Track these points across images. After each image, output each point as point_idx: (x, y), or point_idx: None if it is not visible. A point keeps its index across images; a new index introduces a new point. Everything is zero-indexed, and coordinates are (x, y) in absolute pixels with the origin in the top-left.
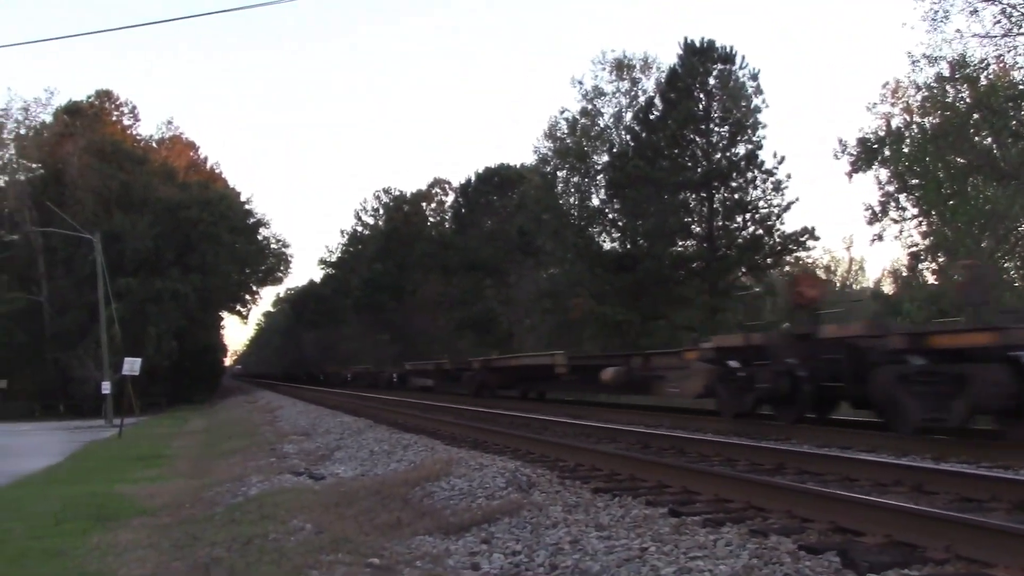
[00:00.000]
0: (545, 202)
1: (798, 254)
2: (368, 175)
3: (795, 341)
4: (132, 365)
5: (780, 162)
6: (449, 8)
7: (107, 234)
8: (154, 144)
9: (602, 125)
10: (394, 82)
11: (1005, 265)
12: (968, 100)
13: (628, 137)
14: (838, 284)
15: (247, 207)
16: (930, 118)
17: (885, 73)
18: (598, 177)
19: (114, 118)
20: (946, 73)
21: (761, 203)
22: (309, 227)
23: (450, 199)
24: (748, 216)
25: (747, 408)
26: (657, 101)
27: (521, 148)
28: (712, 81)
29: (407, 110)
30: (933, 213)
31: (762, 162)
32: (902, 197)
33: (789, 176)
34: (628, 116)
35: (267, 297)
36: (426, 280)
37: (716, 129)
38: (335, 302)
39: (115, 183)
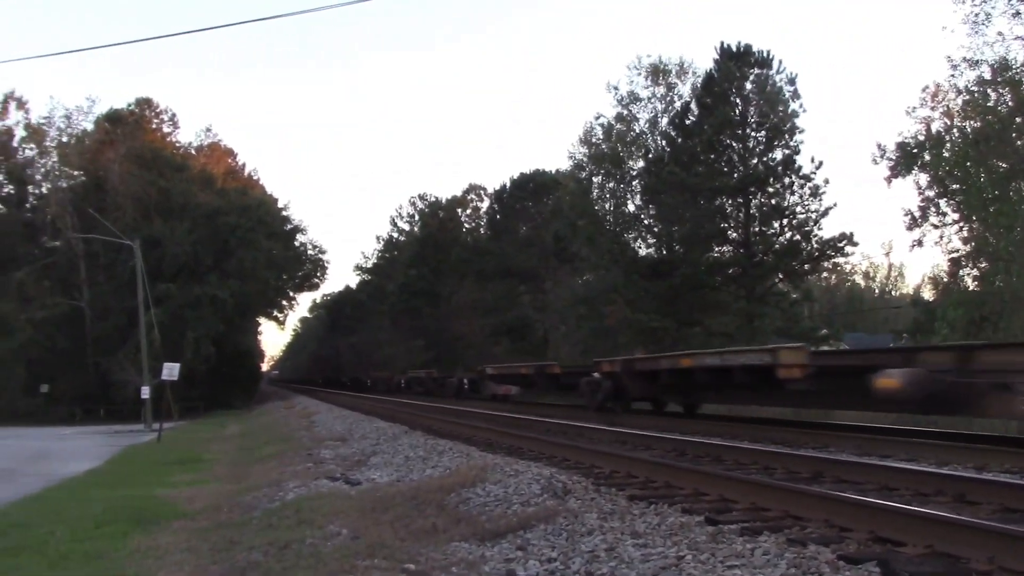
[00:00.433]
0: (580, 208)
1: (836, 260)
2: (404, 181)
3: None
4: (171, 370)
5: (818, 167)
6: (485, 16)
7: (147, 240)
8: (193, 151)
9: (638, 130)
10: (430, 89)
11: None
12: (1010, 104)
13: (664, 142)
14: (877, 291)
15: (284, 213)
16: (971, 122)
17: (925, 77)
18: (633, 183)
19: (154, 126)
20: (987, 76)
21: (798, 208)
22: (345, 233)
23: (485, 205)
24: (785, 222)
25: None
26: (693, 106)
27: (556, 154)
28: (749, 86)
29: (443, 116)
30: (974, 218)
31: (799, 167)
32: (942, 202)
33: (827, 181)
34: (664, 121)
35: (304, 303)
36: (461, 286)
37: (753, 134)
38: (371, 308)
39: (155, 190)
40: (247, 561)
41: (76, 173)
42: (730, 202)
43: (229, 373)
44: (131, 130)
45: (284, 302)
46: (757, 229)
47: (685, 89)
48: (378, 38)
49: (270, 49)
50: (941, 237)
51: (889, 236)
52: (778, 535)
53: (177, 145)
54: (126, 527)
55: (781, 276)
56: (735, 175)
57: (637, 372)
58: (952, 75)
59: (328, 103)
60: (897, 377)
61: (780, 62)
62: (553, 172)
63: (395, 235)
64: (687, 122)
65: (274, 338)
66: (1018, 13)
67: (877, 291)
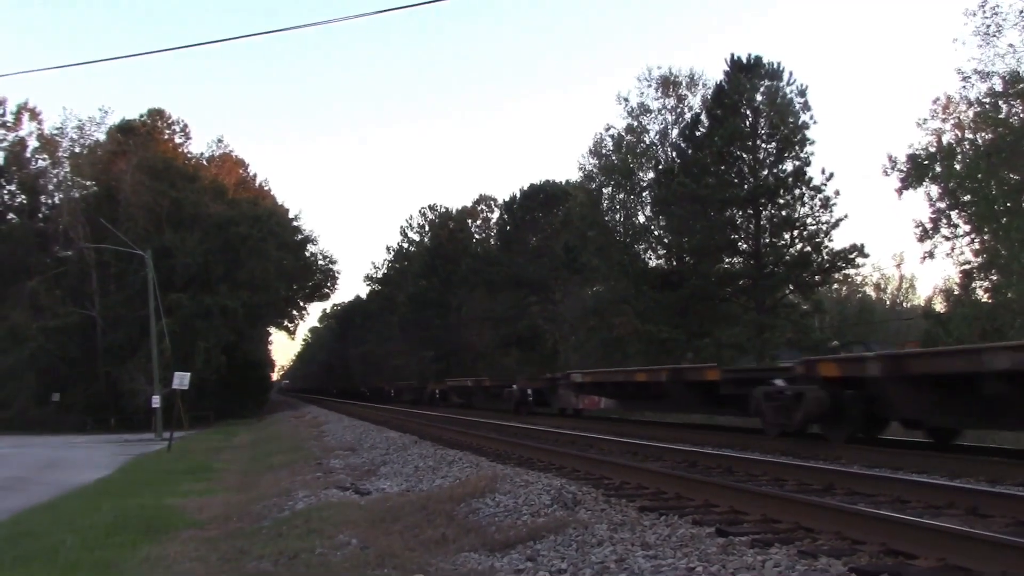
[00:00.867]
0: (590, 219)
1: (847, 271)
2: (414, 192)
3: None
4: (181, 379)
5: (828, 179)
6: (495, 26)
7: (158, 250)
8: (204, 162)
9: (648, 142)
10: (440, 99)
11: None
12: (1022, 116)
13: (674, 154)
14: (888, 302)
15: (295, 224)
16: (982, 134)
17: (936, 88)
18: (644, 194)
19: (166, 136)
20: (999, 88)
21: (809, 220)
22: (355, 244)
23: (495, 216)
24: (796, 233)
25: None
26: (703, 118)
27: (566, 165)
28: (759, 97)
29: (453, 127)
30: (986, 230)
31: (810, 179)
32: (954, 214)
33: (838, 193)
34: (674, 133)
35: (314, 313)
36: (471, 296)
37: (763, 146)
38: (381, 318)
39: (166, 200)
40: (257, 570)
41: (88, 183)
42: (740, 213)
43: (239, 383)
44: (143, 141)
45: (294, 312)
46: (767, 240)
47: (695, 100)
48: (389, 49)
49: (281, 61)
50: (952, 249)
51: (900, 248)
52: (789, 547)
53: (188, 156)
54: (136, 536)
55: (792, 287)
56: (745, 186)
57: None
58: (963, 87)
59: (339, 114)
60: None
61: (791, 73)
62: (563, 183)
63: (405, 245)
64: (697, 133)
65: (284, 348)
66: None
67: (888, 302)
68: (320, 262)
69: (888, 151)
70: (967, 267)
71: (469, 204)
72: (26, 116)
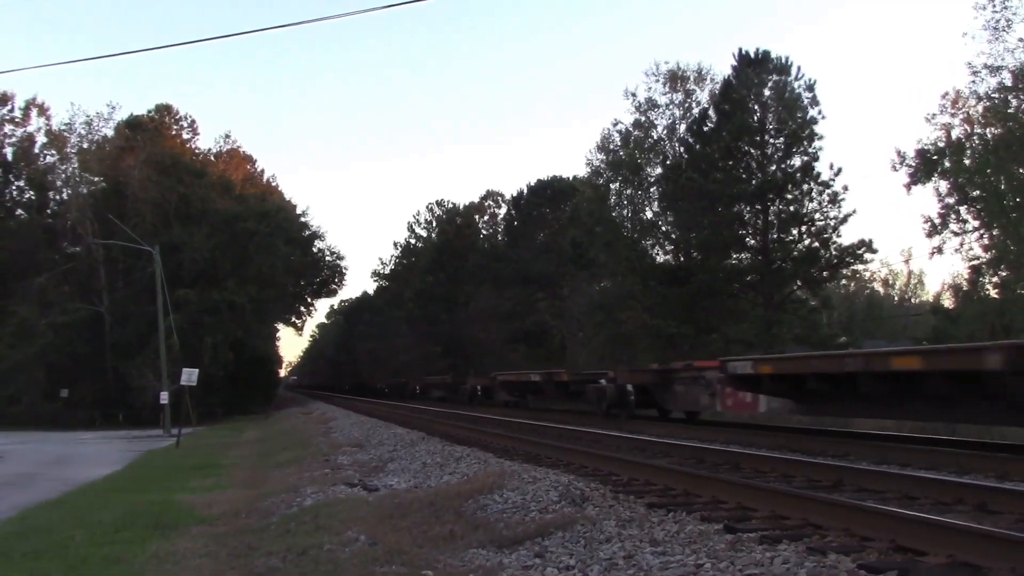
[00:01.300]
0: (598, 214)
1: (855, 267)
2: (421, 188)
3: None
4: (189, 375)
5: (837, 174)
6: (502, 21)
7: (166, 246)
8: (212, 157)
9: (655, 137)
10: (447, 95)
11: None
12: None
13: (682, 149)
14: (896, 298)
15: (303, 219)
16: (992, 129)
17: (944, 83)
18: (651, 189)
19: (173, 132)
20: (1008, 83)
21: (817, 215)
22: (363, 239)
23: (503, 211)
24: (804, 228)
25: None
26: (711, 113)
27: (574, 160)
28: (767, 92)
29: (461, 123)
30: (995, 225)
31: (818, 174)
32: (963, 209)
33: (846, 188)
34: (682, 128)
35: (321, 309)
36: (478, 292)
37: (771, 141)
38: (388, 314)
39: (174, 196)
40: (265, 567)
41: (96, 179)
42: (748, 209)
43: (247, 379)
44: (151, 136)
45: (302, 308)
46: (775, 236)
47: (703, 95)
48: (396, 45)
49: (289, 56)
50: (961, 244)
51: (909, 243)
52: (798, 544)
53: (196, 151)
54: (145, 532)
55: (800, 283)
56: (753, 182)
57: None
58: (973, 81)
59: (347, 110)
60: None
61: (799, 68)
62: (570, 178)
63: (412, 241)
64: (705, 128)
65: (292, 344)
66: None
67: (896, 298)
68: (328, 258)
69: (897, 146)
70: (976, 263)
71: (476, 200)
72: (34, 112)
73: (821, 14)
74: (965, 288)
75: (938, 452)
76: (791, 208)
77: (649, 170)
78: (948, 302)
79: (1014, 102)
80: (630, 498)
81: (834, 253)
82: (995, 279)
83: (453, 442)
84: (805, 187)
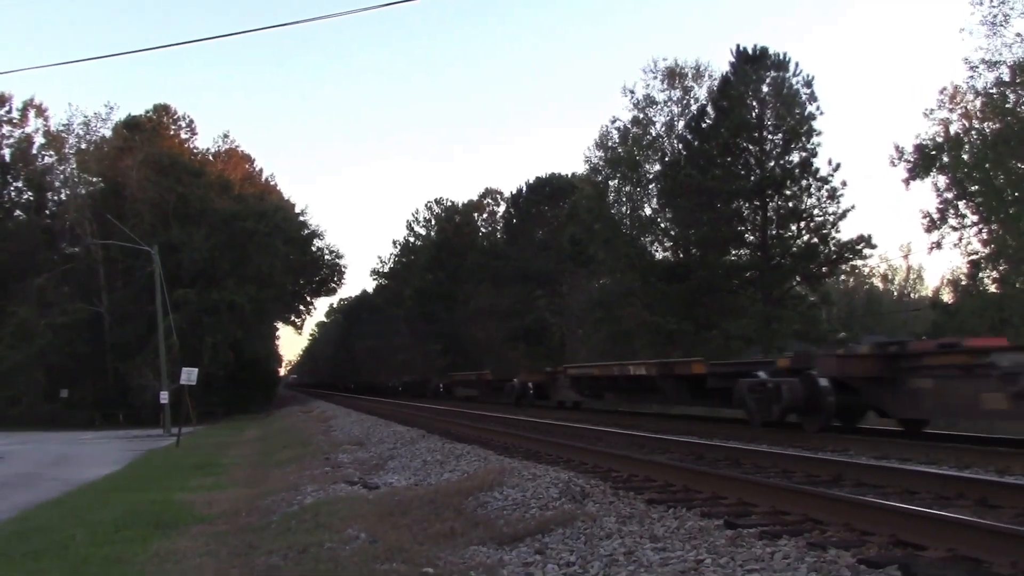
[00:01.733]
0: (597, 212)
1: (854, 262)
2: (420, 186)
3: None
4: (189, 375)
5: (835, 169)
6: (501, 20)
7: (165, 246)
8: (210, 157)
9: (654, 134)
10: (446, 93)
11: None
12: None
13: (680, 146)
14: (895, 293)
15: (301, 218)
16: (990, 124)
17: (942, 78)
18: (650, 186)
19: (172, 132)
20: (1006, 78)
21: (816, 211)
22: (362, 238)
23: (501, 209)
24: (803, 224)
25: None
26: (709, 109)
27: (572, 158)
28: (765, 88)
29: (459, 121)
30: (994, 220)
31: (817, 170)
32: (961, 204)
33: (844, 184)
34: (680, 125)
35: (321, 307)
36: (477, 290)
37: (769, 137)
38: (388, 312)
39: (173, 196)
40: (266, 565)
41: (95, 179)
42: (747, 205)
43: (247, 378)
44: (149, 136)
45: (301, 307)
46: (774, 232)
47: (701, 92)
48: (395, 43)
49: (287, 55)
50: (960, 239)
51: (908, 238)
52: (798, 539)
53: (195, 151)
54: (146, 531)
55: (799, 279)
56: (752, 178)
57: None
58: (971, 76)
59: (345, 109)
60: None
61: (797, 64)
62: (569, 176)
63: (412, 240)
64: (703, 125)
65: (291, 343)
66: None
67: (896, 293)
68: (327, 257)
69: (895, 141)
70: (975, 257)
71: (475, 198)
72: (32, 112)
73: (819, 11)
74: (964, 283)
75: (939, 447)
76: (790, 204)
77: (648, 167)
78: (947, 297)
79: (1012, 97)
80: (630, 494)
81: (833, 249)
82: (994, 274)
83: (453, 440)
84: (804, 183)
